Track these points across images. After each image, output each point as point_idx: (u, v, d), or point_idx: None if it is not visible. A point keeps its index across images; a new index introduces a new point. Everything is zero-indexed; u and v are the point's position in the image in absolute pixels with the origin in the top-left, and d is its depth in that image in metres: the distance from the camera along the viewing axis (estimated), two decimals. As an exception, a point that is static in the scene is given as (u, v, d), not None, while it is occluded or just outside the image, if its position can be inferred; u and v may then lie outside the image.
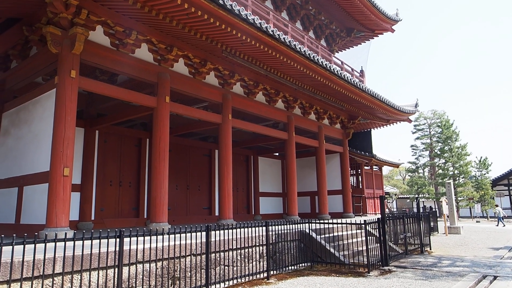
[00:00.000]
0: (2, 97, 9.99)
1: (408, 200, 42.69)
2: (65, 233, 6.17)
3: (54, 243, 4.30)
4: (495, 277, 7.43)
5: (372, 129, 21.04)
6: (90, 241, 4.71)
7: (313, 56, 10.92)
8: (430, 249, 12.23)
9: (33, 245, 4.19)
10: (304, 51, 10.54)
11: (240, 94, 12.40)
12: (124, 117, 10.69)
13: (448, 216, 20.03)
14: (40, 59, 8.66)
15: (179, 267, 6.05)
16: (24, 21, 8.77)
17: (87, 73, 9.65)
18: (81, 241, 4.61)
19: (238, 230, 7.91)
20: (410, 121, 19.13)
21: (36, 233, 4.80)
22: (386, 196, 28.31)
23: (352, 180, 21.42)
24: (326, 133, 16.89)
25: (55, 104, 7.58)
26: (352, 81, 13.00)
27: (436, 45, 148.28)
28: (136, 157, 12.84)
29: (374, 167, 23.26)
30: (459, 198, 32.96)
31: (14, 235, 4.36)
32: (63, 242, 4.43)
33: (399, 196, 48.38)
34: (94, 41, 8.33)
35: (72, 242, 4.52)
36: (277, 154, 19.46)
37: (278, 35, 9.49)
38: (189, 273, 6.23)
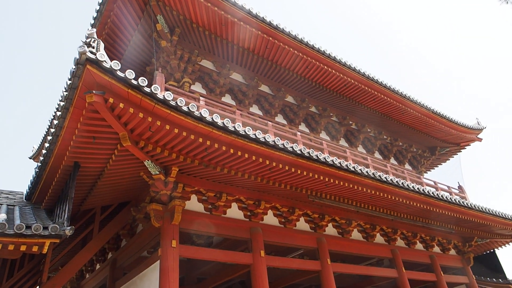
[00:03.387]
0: (114, 275, 10.71)
1: None
2: None
3: None
4: None
5: (496, 249, 18.08)
6: None
7: (402, 183, 10.48)
8: None
9: None
10: (391, 179, 10.22)
11: (334, 235, 11.87)
12: (222, 279, 10.59)
13: None
14: (145, 235, 9.44)
15: None
16: (131, 203, 9.99)
17: (185, 240, 10.18)
18: None
19: None
20: (540, 232, 16.22)
21: None
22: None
23: (492, 317, 17.50)
24: (441, 262, 14.80)
25: (159, 275, 7.85)
26: (452, 200, 11.92)
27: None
28: (239, 321, 12.15)
29: (515, 295, 19.06)
30: None
31: None
32: None
33: None
34: (190, 210, 9.00)
35: None
36: (389, 295, 17.13)
37: (360, 169, 9.48)
38: None
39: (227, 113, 10.29)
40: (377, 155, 17.68)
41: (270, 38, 11.55)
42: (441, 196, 11.61)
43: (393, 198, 10.63)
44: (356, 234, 12.58)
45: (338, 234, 12.05)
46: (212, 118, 7.22)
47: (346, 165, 9.19)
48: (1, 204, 8.70)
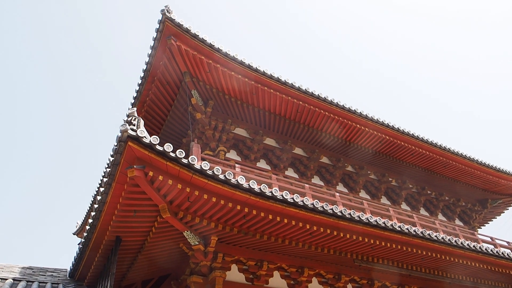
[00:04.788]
0: None
1: None
2: None
3: None
4: None
5: None
6: None
7: (455, 241, 9.73)
8: None
9: None
10: (442, 238, 9.53)
11: (387, 303, 10.93)
12: None
13: None
14: (186, 310, 9.11)
15: None
16: (172, 276, 9.81)
17: (228, 314, 9.71)
18: None
19: None
20: None
21: None
22: None
23: None
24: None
25: None
26: (515, 257, 10.82)
27: None
28: None
29: None
30: None
31: None
32: None
33: None
34: (231, 281, 8.69)
35: None
36: None
37: (407, 229, 8.95)
38: None
39: (263, 178, 10.30)
40: (423, 211, 16.74)
41: (301, 103, 11.82)
42: (501, 253, 10.61)
43: (447, 258, 9.83)
44: (411, 301, 11.52)
45: (391, 301, 11.10)
46: (248, 184, 7.23)
47: (392, 225, 8.73)
48: (46, 283, 8.81)
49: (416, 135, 13.82)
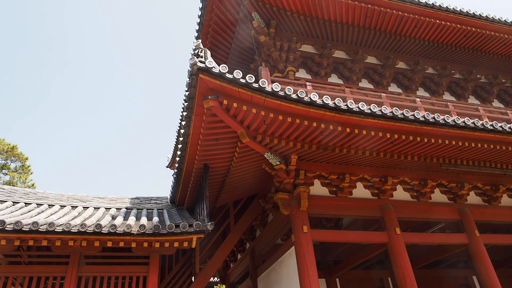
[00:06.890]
0: (255, 263, 11.46)
1: None
2: None
3: None
4: None
5: None
6: None
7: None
8: None
9: None
10: (543, 132, 8.65)
11: (479, 204, 10.61)
12: (358, 260, 10.41)
13: None
14: (276, 223, 9.84)
15: None
16: (259, 195, 10.51)
17: (315, 224, 10.29)
18: None
19: None
20: None
21: None
22: None
23: None
24: None
25: (297, 260, 8.11)
26: None
27: None
28: (383, 301, 11.81)
29: None
30: None
31: None
32: None
33: None
34: (315, 195, 9.06)
35: None
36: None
37: (501, 126, 8.25)
38: None
39: (337, 92, 10.04)
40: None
41: (369, 6, 10.83)
42: None
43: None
44: (507, 200, 11.04)
45: (483, 202, 10.75)
46: (322, 100, 7.12)
47: (482, 124, 8.11)
48: (152, 209, 10.06)
49: (509, 21, 12.04)
